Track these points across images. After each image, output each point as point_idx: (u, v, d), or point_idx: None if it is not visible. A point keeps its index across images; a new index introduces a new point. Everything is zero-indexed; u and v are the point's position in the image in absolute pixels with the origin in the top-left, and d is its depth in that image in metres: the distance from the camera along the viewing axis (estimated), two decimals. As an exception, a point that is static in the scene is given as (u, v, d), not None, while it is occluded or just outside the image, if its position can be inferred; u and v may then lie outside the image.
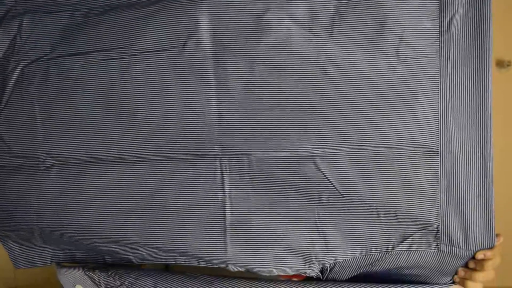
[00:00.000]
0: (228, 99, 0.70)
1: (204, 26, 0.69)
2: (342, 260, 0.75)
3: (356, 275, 0.77)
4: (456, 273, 0.76)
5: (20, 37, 0.77)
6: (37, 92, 0.76)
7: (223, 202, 0.73)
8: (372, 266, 0.76)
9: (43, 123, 0.76)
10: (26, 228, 0.80)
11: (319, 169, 0.70)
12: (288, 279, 0.79)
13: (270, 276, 0.76)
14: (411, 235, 0.73)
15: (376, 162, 0.70)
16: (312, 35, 0.67)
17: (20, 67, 0.77)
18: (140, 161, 0.74)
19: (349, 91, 0.68)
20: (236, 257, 0.74)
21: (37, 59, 0.76)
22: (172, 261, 0.78)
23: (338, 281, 0.77)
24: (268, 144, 0.70)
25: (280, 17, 0.67)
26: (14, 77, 0.77)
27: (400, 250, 0.74)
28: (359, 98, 0.68)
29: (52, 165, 0.77)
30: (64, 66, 0.74)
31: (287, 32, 0.67)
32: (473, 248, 0.73)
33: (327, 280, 0.76)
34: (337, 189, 0.71)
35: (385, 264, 0.75)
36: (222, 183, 0.73)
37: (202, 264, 0.76)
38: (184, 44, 0.69)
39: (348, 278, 0.77)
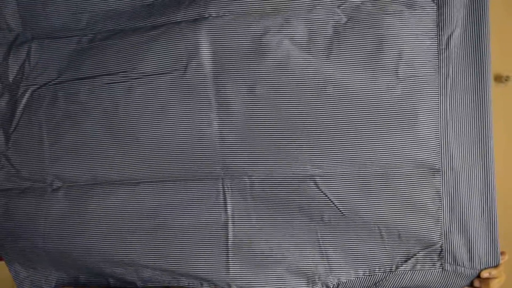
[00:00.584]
0: (229, 121, 0.71)
1: (205, 49, 0.70)
2: (345, 280, 0.74)
3: None
4: None
5: (29, 63, 0.80)
6: (45, 116, 0.78)
7: (226, 223, 0.74)
8: (376, 286, 0.74)
9: (51, 146, 0.78)
10: (32, 251, 0.81)
11: (320, 189, 0.70)
12: None
13: None
14: (414, 254, 0.72)
15: (377, 180, 0.69)
16: (311, 56, 0.68)
17: (29, 92, 0.79)
18: (142, 182, 0.75)
19: (348, 111, 0.68)
20: (239, 278, 0.74)
21: (45, 83, 0.78)
22: (175, 283, 0.78)
23: None
24: (269, 164, 0.71)
25: (278, 39, 0.68)
26: (24, 101, 0.79)
27: (404, 270, 0.73)
28: (358, 117, 0.68)
29: (59, 188, 0.78)
30: (71, 91, 0.76)
31: (286, 53, 0.68)
32: (478, 267, 0.71)
33: None
34: (338, 208, 0.70)
35: (389, 284, 0.74)
36: (225, 204, 0.73)
37: (205, 285, 0.76)
38: (186, 67, 0.71)
39: None
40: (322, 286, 0.75)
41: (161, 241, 0.75)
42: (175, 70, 0.71)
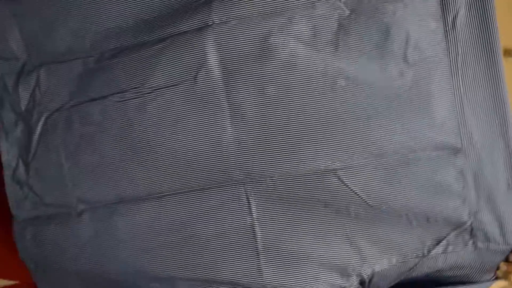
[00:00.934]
0: (243, 125, 0.71)
1: (212, 56, 0.70)
2: (380, 269, 0.74)
3: (397, 283, 0.76)
4: (497, 268, 0.74)
5: (39, 90, 0.80)
6: (61, 140, 0.78)
7: (252, 226, 0.74)
8: (411, 272, 0.74)
9: (70, 170, 0.78)
10: (64, 277, 0.81)
11: (343, 182, 0.70)
12: None
13: None
14: (445, 237, 0.72)
15: (399, 168, 0.69)
16: (318, 52, 0.68)
17: (43, 118, 0.79)
18: (167, 195, 0.75)
19: (361, 101, 0.68)
20: (273, 279, 0.74)
21: (58, 108, 0.78)
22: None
23: None
24: (289, 163, 0.71)
25: (284, 39, 0.69)
26: (39, 129, 0.79)
27: (436, 253, 0.73)
28: (373, 107, 0.68)
29: (83, 210, 0.78)
30: (84, 113, 0.77)
31: (293, 52, 0.69)
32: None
33: None
34: (363, 200, 0.70)
35: (424, 269, 0.74)
36: (249, 207, 0.73)
37: None
38: (195, 76, 0.71)
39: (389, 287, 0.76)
40: (357, 278, 0.75)
41: (192, 251, 0.75)
42: (186, 80, 0.71)
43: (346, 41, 0.68)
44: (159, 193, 0.75)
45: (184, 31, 0.71)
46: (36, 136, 0.80)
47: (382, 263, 0.74)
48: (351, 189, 0.70)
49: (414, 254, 0.73)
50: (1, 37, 0.81)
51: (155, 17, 0.75)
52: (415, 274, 0.75)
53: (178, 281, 0.77)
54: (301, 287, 0.74)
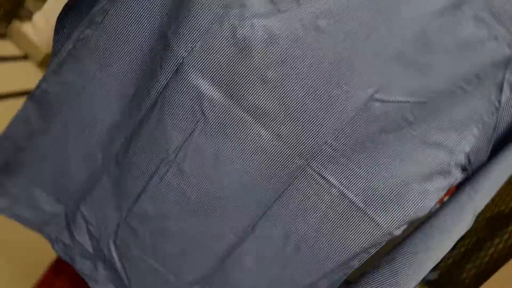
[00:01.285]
0: (271, 121, 0.70)
1: (204, 85, 0.69)
2: (470, 147, 0.71)
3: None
4: None
5: (92, 225, 0.81)
6: (139, 250, 0.80)
7: (342, 193, 0.73)
8: (497, 130, 0.72)
9: (164, 266, 0.80)
10: None
11: (385, 101, 0.68)
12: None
13: None
14: (503, 79, 0.69)
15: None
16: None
17: (112, 245, 0.81)
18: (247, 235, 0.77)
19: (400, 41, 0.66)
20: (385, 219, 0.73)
21: (116, 229, 0.80)
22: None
23: None
24: (332, 124, 0.70)
25: (248, 24, 0.67)
26: (115, 255, 0.81)
27: (507, 98, 0.70)
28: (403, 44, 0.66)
29: None
30: (139, 214, 0.78)
31: (264, 33, 0.67)
32: None
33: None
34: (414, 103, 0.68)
35: (507, 117, 0.71)
36: (326, 180, 0.73)
37: None
38: (203, 112, 0.71)
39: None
40: (457, 169, 0.72)
41: (323, 247, 0.77)
42: (198, 121, 0.71)
43: None
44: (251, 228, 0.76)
45: (166, 83, 0.71)
46: (118, 264, 0.81)
47: (467, 140, 0.71)
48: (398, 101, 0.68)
49: (490, 113, 0.70)
50: (33, 208, 0.83)
51: (137, 88, 0.75)
52: (502, 128, 0.72)
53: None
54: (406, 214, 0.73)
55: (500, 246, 1.84)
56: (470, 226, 0.73)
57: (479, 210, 0.72)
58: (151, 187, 0.76)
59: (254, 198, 0.75)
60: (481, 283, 1.66)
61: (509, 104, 0.70)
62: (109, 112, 0.76)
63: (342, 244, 0.75)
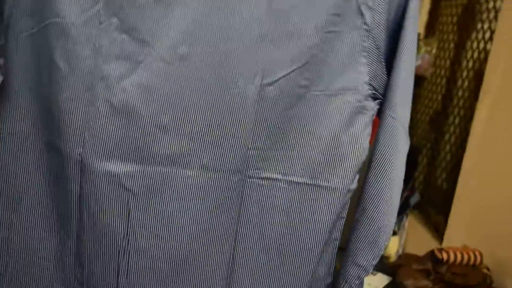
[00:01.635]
0: (185, 160, 0.70)
1: (118, 167, 0.68)
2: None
3: None
4: None
5: None
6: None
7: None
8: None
9: None
10: None
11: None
12: None
13: None
14: (357, 3, 0.71)
15: None
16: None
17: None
18: None
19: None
20: None
21: None
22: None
23: None
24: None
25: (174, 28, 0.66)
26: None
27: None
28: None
29: None
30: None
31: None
32: None
33: None
34: None
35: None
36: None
37: None
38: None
39: None
40: (369, 101, 0.73)
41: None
42: (127, 202, 0.70)
43: None
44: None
45: (79, 189, 0.69)
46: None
47: (362, 71, 0.72)
48: None
49: (365, 37, 0.71)
50: None
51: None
52: (383, 44, 0.73)
53: None
54: None
55: (452, 140, 1.94)
56: (409, 141, 0.74)
57: (407, 124, 0.74)
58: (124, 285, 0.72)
59: (218, 241, 0.73)
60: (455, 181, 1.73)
61: (375, 21, 0.73)
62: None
63: (316, 224, 0.74)
